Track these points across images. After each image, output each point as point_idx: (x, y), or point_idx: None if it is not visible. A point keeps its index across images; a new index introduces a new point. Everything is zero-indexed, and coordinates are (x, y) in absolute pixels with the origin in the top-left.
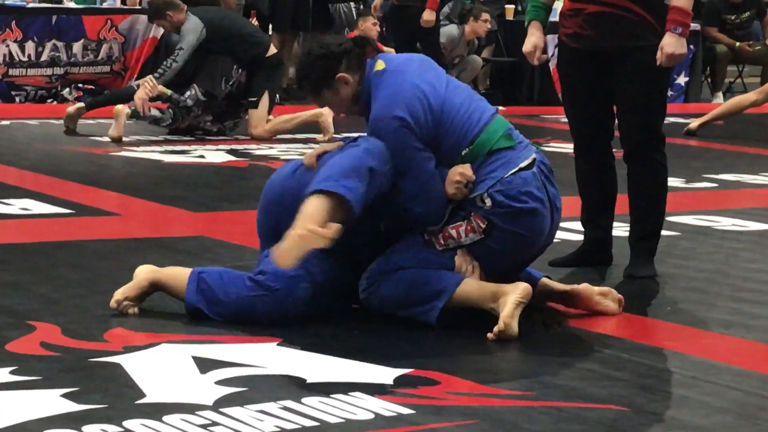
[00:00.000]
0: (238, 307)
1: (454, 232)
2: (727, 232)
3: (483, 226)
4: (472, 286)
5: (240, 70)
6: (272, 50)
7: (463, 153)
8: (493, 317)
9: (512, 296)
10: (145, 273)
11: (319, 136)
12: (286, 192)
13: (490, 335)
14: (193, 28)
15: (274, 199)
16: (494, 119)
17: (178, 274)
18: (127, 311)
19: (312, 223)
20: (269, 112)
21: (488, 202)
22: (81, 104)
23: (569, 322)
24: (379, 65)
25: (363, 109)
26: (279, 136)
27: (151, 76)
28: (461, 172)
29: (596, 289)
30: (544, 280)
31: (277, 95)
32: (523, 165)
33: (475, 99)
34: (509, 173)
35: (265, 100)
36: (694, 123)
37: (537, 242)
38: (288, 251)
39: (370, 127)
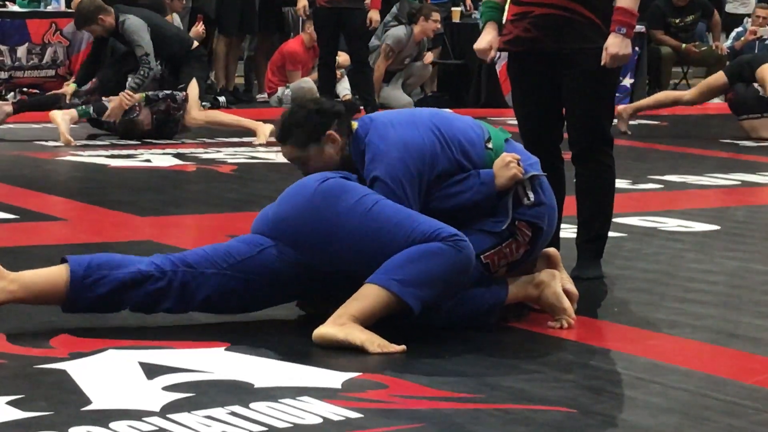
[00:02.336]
0: (131, 306)
1: (508, 251)
2: (673, 233)
3: (529, 234)
4: (513, 283)
5: (162, 65)
6: (195, 44)
7: (489, 146)
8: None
9: (555, 285)
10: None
11: (254, 140)
12: (353, 228)
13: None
14: (140, 27)
15: (333, 223)
16: (471, 119)
17: (40, 280)
18: None
19: (362, 317)
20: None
21: (531, 196)
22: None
23: (516, 324)
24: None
25: (356, 157)
26: (233, 140)
27: (127, 90)
28: (505, 154)
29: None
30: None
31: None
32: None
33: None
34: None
35: (194, 85)
36: (621, 124)
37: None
38: (331, 339)
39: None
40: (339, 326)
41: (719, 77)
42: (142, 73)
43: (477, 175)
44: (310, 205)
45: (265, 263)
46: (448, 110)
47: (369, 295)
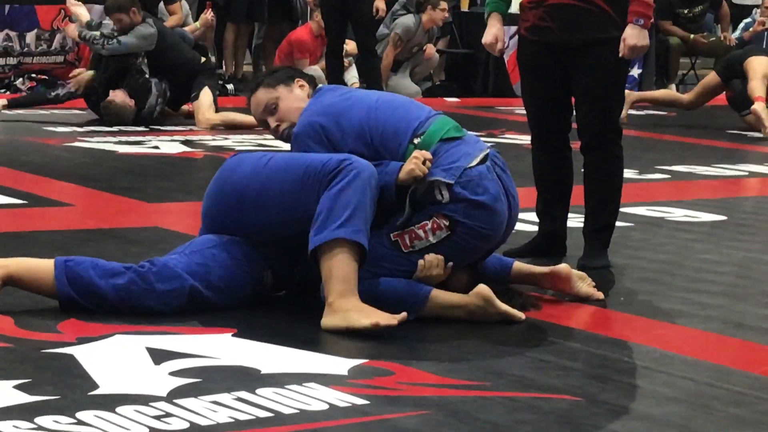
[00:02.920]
0: (117, 297)
1: (421, 232)
2: (680, 223)
3: (447, 223)
4: (439, 300)
5: (166, 84)
6: (203, 59)
7: (415, 141)
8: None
9: (491, 308)
10: None
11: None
12: (251, 188)
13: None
14: (144, 36)
15: (234, 193)
16: (440, 116)
17: (35, 267)
18: None
19: (353, 288)
20: (216, 109)
21: (446, 195)
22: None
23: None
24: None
25: None
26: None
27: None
28: (417, 151)
29: (575, 271)
30: (516, 264)
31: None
32: (479, 158)
33: (415, 103)
34: (469, 165)
35: (206, 91)
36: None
37: (496, 234)
38: (335, 325)
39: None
40: (337, 313)
41: (713, 78)
42: (103, 40)
43: (386, 165)
44: (216, 187)
45: (211, 236)
46: (404, 98)
47: (331, 264)
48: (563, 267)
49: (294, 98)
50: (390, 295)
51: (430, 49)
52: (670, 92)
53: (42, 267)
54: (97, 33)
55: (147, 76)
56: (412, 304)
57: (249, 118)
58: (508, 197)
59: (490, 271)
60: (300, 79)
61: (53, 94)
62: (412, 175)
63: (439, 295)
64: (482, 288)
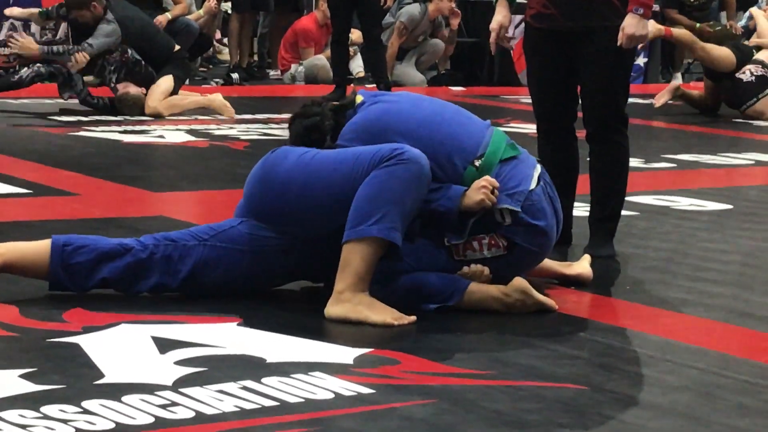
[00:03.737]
0: (112, 280)
1: (476, 244)
2: (686, 212)
3: (505, 243)
4: (479, 292)
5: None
6: (176, 48)
7: (477, 164)
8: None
9: (531, 299)
10: None
11: (223, 117)
12: (297, 179)
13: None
14: (108, 33)
15: (280, 184)
16: (495, 130)
17: (30, 253)
18: None
19: (365, 281)
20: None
21: (508, 219)
22: None
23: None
24: (358, 99)
25: None
26: (246, 116)
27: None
28: (485, 178)
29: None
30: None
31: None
32: (535, 179)
33: (468, 114)
34: (531, 188)
35: (168, 78)
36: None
37: (547, 254)
38: (343, 319)
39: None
40: (346, 304)
41: (728, 52)
42: (71, 50)
43: (447, 188)
44: (261, 177)
45: (243, 232)
46: (463, 110)
47: (353, 255)
48: (587, 272)
49: None
50: (429, 285)
51: (446, 31)
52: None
53: (37, 252)
54: (61, 47)
55: (143, 63)
56: (451, 293)
57: (192, 100)
58: (556, 215)
59: None
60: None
61: (17, 77)
62: (482, 206)
63: (478, 289)
64: (520, 281)
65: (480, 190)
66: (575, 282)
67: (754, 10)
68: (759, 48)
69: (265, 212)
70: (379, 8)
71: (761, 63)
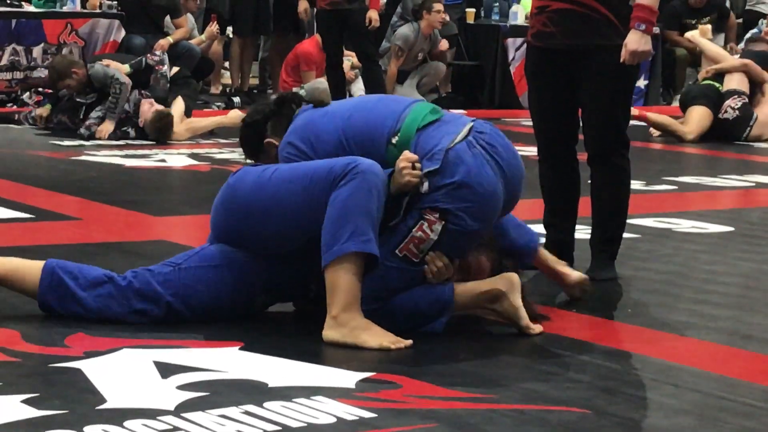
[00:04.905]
0: (95, 308)
1: (420, 234)
2: (687, 234)
3: (437, 215)
4: (464, 294)
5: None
6: (174, 70)
7: (394, 141)
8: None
9: (512, 297)
10: None
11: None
12: (258, 203)
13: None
14: (115, 74)
15: (241, 209)
16: (416, 104)
17: (22, 269)
18: None
19: (354, 302)
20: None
21: (425, 186)
22: None
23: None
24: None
25: None
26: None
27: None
28: (403, 156)
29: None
30: (541, 250)
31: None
32: (462, 134)
33: (392, 97)
34: (451, 144)
35: (178, 103)
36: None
37: (492, 206)
38: (340, 339)
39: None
40: (342, 328)
41: (704, 112)
42: (113, 92)
43: None
44: (222, 203)
45: (214, 251)
46: (379, 96)
47: (338, 277)
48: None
49: (274, 161)
50: (417, 309)
51: (444, 44)
52: (674, 124)
53: (30, 271)
54: (117, 87)
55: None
56: (443, 306)
57: (212, 120)
58: (499, 164)
59: (516, 247)
60: (269, 139)
61: (17, 117)
62: (410, 187)
63: (463, 288)
64: (512, 275)
65: (402, 172)
66: (573, 288)
67: (694, 36)
68: (720, 76)
69: (230, 237)
70: (366, 27)
71: (735, 92)
